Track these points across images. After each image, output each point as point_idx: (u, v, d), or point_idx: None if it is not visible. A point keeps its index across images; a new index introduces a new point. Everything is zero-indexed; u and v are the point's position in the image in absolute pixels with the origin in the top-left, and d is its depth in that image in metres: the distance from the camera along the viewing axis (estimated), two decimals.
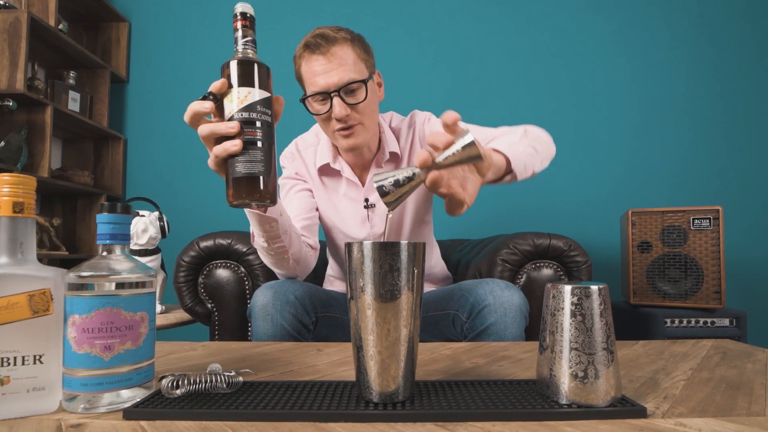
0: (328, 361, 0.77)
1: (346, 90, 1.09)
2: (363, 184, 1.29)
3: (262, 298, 1.06)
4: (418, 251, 0.54)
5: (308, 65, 1.10)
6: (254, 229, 1.02)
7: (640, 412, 0.50)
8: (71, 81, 2.38)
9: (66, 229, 2.48)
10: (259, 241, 1.05)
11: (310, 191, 1.32)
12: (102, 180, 2.54)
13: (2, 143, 1.96)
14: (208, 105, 0.67)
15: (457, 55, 2.52)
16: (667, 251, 1.80)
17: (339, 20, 2.53)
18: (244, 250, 1.43)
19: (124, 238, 0.56)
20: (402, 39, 2.52)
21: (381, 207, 1.28)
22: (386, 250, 0.52)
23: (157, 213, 1.63)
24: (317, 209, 1.31)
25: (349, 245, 0.54)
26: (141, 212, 1.60)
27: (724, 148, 2.42)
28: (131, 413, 0.49)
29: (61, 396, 0.52)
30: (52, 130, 2.16)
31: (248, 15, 0.68)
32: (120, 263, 0.54)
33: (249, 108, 0.66)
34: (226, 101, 0.67)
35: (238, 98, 0.66)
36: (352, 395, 0.55)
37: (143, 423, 0.48)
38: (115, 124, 2.59)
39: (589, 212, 2.44)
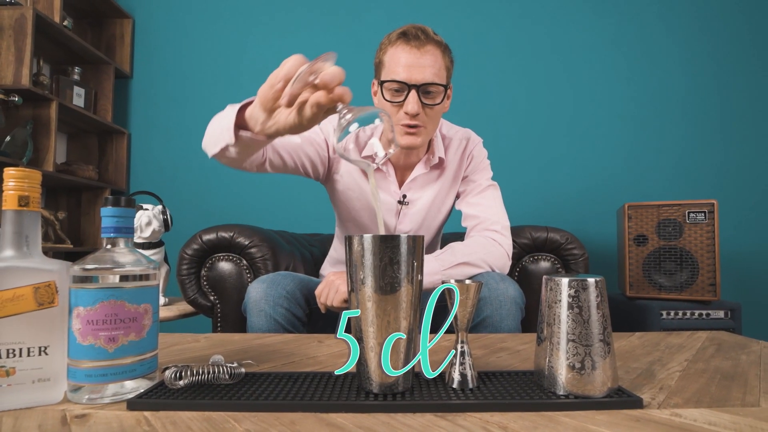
0: (329, 353, 0.77)
1: (425, 89, 1.08)
2: (400, 185, 1.26)
3: (254, 293, 1.06)
4: (417, 244, 0.54)
5: (397, 52, 1.09)
6: (234, 145, 0.81)
7: (636, 403, 0.50)
8: (76, 77, 2.37)
9: (71, 223, 2.47)
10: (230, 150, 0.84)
11: (325, 159, 1.22)
12: (106, 174, 2.53)
13: (8, 138, 1.96)
14: None
15: (455, 50, 2.49)
16: (663, 244, 1.79)
17: (336, 12, 2.52)
18: (246, 243, 1.43)
19: (128, 231, 0.56)
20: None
21: (414, 205, 1.25)
22: (386, 243, 0.52)
23: (160, 206, 1.63)
24: (309, 166, 1.20)
25: (349, 238, 0.54)
26: (145, 206, 1.60)
27: (720, 143, 2.41)
28: (135, 404, 0.49)
29: (65, 387, 0.52)
30: (57, 125, 2.15)
31: None
32: (124, 256, 0.54)
33: None
34: None
35: None
36: (352, 386, 0.55)
37: (147, 413, 0.48)
38: (119, 119, 2.58)
39: (586, 205, 2.44)
